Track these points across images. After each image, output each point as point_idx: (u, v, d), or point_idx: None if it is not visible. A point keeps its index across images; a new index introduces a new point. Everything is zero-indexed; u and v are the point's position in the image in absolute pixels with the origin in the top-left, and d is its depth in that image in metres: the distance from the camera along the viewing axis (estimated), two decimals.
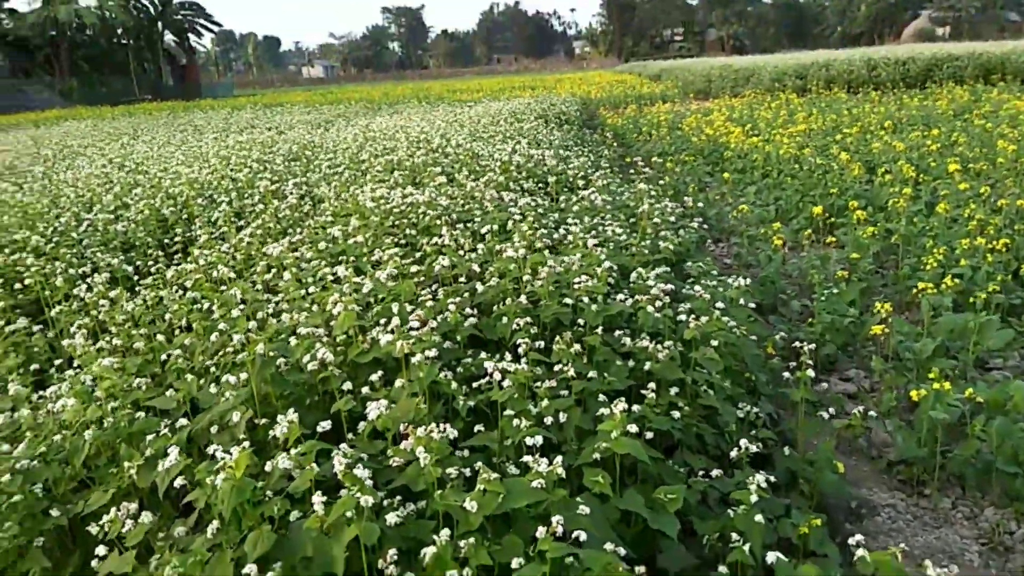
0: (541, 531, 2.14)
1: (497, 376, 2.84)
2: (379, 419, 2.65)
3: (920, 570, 3.55)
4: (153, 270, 5.34)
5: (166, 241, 6.40)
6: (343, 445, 2.69)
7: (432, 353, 2.84)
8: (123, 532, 2.43)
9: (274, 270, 4.62)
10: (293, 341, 3.28)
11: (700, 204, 9.81)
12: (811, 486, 3.68)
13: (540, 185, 7.47)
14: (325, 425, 2.57)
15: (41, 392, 3.63)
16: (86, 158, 12.17)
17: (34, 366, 4.26)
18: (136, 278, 5.24)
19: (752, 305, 4.39)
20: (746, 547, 2.56)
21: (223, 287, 4.45)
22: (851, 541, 2.53)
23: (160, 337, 3.99)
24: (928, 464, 4.11)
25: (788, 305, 6.01)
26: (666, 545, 2.88)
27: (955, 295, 5.82)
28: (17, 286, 5.20)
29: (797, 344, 3.63)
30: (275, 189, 6.94)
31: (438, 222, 5.00)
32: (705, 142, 14.24)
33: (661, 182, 9.83)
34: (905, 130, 13.75)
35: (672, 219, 6.06)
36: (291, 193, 6.64)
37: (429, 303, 3.49)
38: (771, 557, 2.38)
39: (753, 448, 3.04)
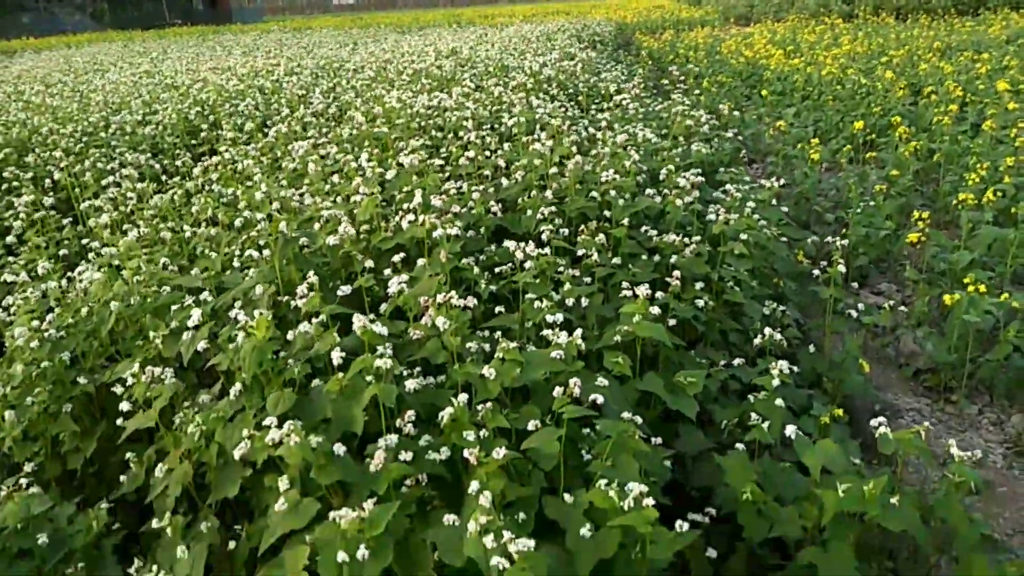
0: (558, 391, 2.13)
1: (520, 257, 2.80)
2: (400, 296, 2.63)
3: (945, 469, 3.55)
4: (181, 170, 5.35)
5: (193, 143, 6.39)
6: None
7: (455, 231, 2.79)
8: (148, 395, 2.48)
9: (298, 167, 4.59)
10: (316, 227, 3.27)
11: (737, 120, 9.55)
12: (834, 386, 3.63)
13: (571, 96, 7.29)
14: (345, 289, 2.56)
15: (69, 274, 3.68)
16: (116, 70, 12.14)
17: (63, 252, 4.33)
18: (164, 177, 5.25)
19: (785, 209, 4.27)
20: (765, 424, 2.54)
21: (249, 183, 4.43)
22: (873, 422, 2.49)
23: (187, 229, 4.01)
24: (957, 372, 4.04)
25: (822, 219, 5.86)
26: (684, 430, 2.88)
27: (996, 211, 5.63)
28: (48, 183, 5.24)
29: (829, 241, 3.52)
30: (302, 95, 6.86)
31: (465, 123, 4.91)
32: (744, 65, 13.76)
33: (697, 95, 9.55)
34: (954, 55, 13.13)
35: (706, 129, 5.88)
36: (317, 100, 6.55)
37: (453, 192, 3.44)
38: (790, 430, 2.36)
39: (778, 337, 2.98)
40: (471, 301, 2.58)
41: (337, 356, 2.15)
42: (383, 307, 2.94)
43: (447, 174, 4.20)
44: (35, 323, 2.96)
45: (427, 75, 7.17)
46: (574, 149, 4.10)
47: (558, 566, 1.98)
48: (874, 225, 5.49)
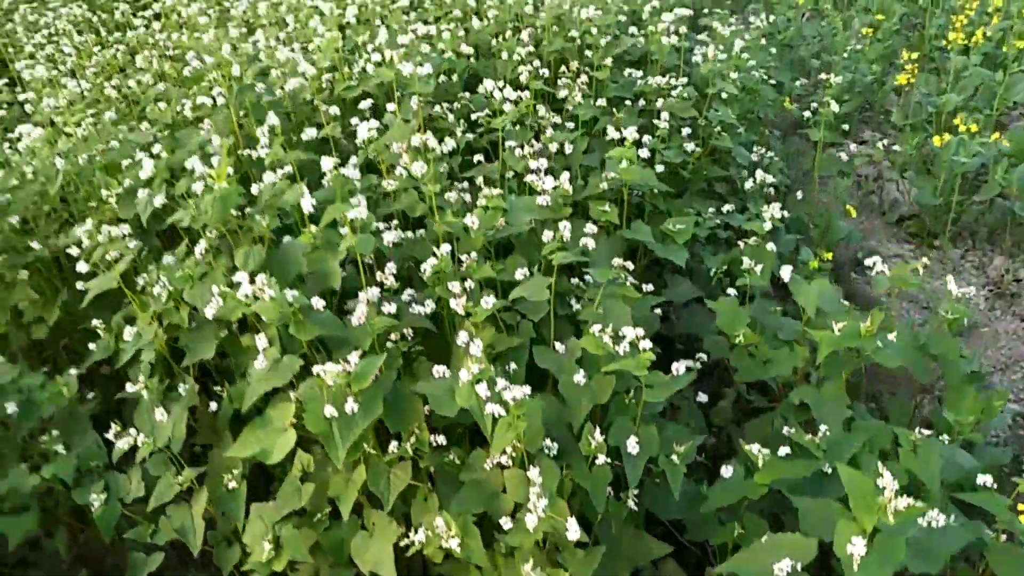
0: (547, 235, 2.01)
1: (497, 97, 2.59)
2: (370, 143, 2.44)
3: (928, 312, 3.56)
4: (120, 23, 4.90)
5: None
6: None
7: (426, 70, 2.55)
8: (108, 257, 2.31)
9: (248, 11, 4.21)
10: (274, 73, 3.00)
11: None
12: (821, 231, 3.57)
13: None
14: (311, 132, 2.37)
15: (9, 134, 3.39)
16: None
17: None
18: (103, 32, 4.80)
19: (773, 50, 4.05)
20: (757, 268, 2.46)
21: (196, 33, 4.06)
22: (868, 261, 2.42)
23: (132, 84, 3.69)
24: (940, 216, 4.00)
25: (806, 66, 5.62)
26: (672, 279, 2.81)
27: (982, 55, 5.43)
28: None
29: (815, 85, 3.35)
30: None
31: None
32: None
33: None
34: None
35: None
36: None
37: (421, 30, 3.16)
38: (785, 273, 2.28)
39: (769, 179, 2.87)
40: (449, 144, 2.41)
41: (308, 204, 1.98)
42: (353, 160, 2.75)
43: (412, 17, 3.88)
44: None
45: None
46: None
47: (552, 414, 1.93)
48: (859, 71, 5.27)
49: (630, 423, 1.90)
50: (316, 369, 1.73)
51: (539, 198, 2.23)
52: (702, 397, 2.41)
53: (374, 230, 2.26)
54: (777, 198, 3.71)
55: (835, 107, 3.22)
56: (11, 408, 2.08)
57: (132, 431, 2.05)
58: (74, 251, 2.35)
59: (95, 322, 2.49)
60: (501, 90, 2.58)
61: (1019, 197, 3.74)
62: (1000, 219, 3.86)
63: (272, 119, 2.21)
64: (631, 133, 2.60)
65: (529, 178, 2.33)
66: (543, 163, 2.43)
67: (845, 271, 3.83)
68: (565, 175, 2.27)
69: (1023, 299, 3.55)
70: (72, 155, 2.70)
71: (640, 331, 1.81)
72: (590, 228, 2.24)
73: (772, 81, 3.87)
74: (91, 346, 2.53)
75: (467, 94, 3.14)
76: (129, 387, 2.11)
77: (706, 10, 5.17)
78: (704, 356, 2.47)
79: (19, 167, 2.89)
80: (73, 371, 2.34)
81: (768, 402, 2.70)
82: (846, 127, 5.36)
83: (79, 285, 2.34)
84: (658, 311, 2.45)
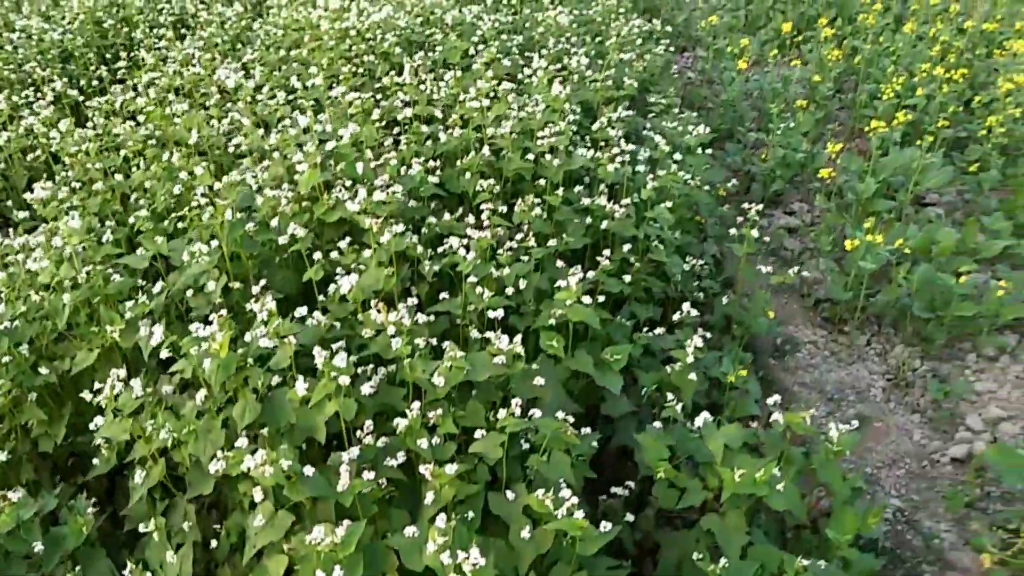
0: (502, 413, 2.41)
1: (461, 250, 2.98)
2: (350, 292, 2.81)
3: (832, 403, 4.07)
4: (98, 89, 5.10)
5: (105, 49, 5.98)
6: (316, 314, 2.88)
7: (399, 228, 2.93)
8: (118, 405, 2.64)
9: (227, 96, 4.48)
10: (259, 199, 3.33)
11: (668, 11, 9.44)
12: (743, 328, 4.04)
13: None
14: (302, 311, 2.72)
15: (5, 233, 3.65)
16: None
17: None
18: (82, 99, 5.00)
19: (710, 137, 4.50)
20: (678, 406, 2.91)
21: (175, 118, 4.33)
22: (769, 401, 2.89)
23: (119, 177, 3.97)
24: (851, 304, 4.51)
25: (745, 136, 6.09)
26: (610, 396, 3.24)
27: (905, 128, 5.96)
28: None
29: (746, 206, 3.80)
30: None
31: (397, 49, 4.81)
32: None
33: None
34: None
35: (639, 41, 5.89)
36: (236, 2, 6.17)
37: (392, 162, 3.51)
38: (699, 420, 2.74)
39: (694, 313, 3.32)
40: (412, 300, 2.79)
41: (302, 389, 2.35)
42: (332, 287, 3.10)
43: (383, 117, 4.21)
44: None
45: None
46: (510, 95, 4.13)
47: (502, 557, 2.35)
48: (791, 146, 5.76)
49: (567, 567, 2.34)
50: (308, 538, 2.11)
51: (496, 358, 2.63)
52: (630, 516, 2.84)
53: (353, 375, 2.64)
54: (707, 300, 4.19)
55: (755, 233, 3.66)
56: (38, 547, 2.41)
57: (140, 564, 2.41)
58: (87, 395, 2.67)
59: (99, 442, 2.82)
60: (462, 238, 2.97)
61: (917, 297, 4.26)
62: (901, 312, 4.39)
63: (270, 303, 2.54)
64: (576, 278, 3.00)
65: (488, 334, 2.72)
66: (500, 313, 2.84)
67: (765, 359, 4.32)
68: (518, 338, 2.67)
69: (915, 388, 4.09)
70: (74, 286, 2.99)
71: (575, 499, 2.24)
72: (539, 380, 2.66)
73: (707, 187, 4.29)
74: (95, 460, 2.88)
75: (433, 218, 3.51)
76: (141, 527, 2.46)
77: (651, 90, 5.56)
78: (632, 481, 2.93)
79: (21, 286, 3.18)
80: (85, 501, 2.66)
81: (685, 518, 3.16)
82: (778, 196, 5.89)
83: (91, 425, 2.66)
84: (595, 441, 2.87)
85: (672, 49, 7.51)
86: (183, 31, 6.04)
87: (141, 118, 4.29)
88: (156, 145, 4.18)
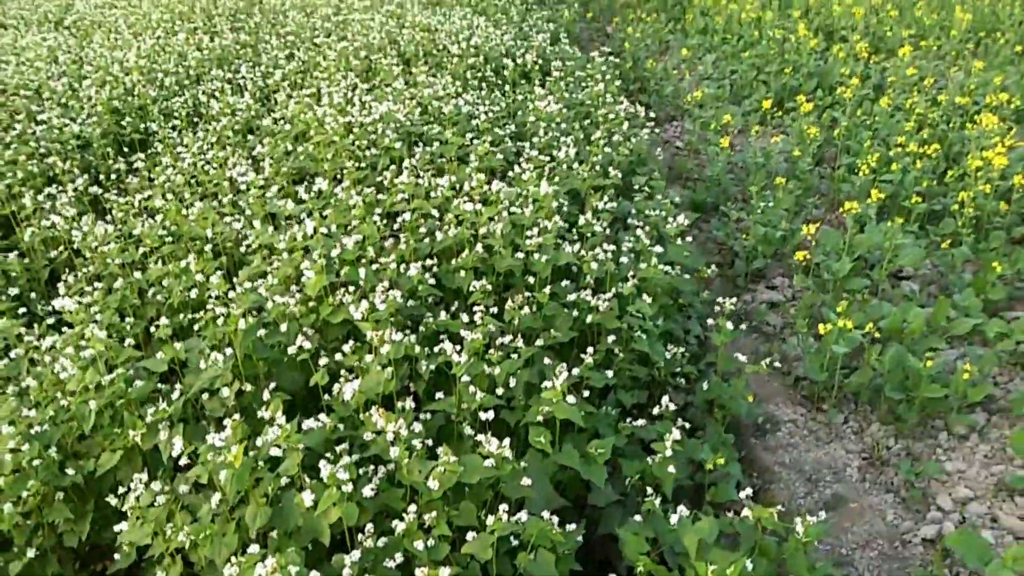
0: (491, 520, 2.65)
1: (454, 355, 3.25)
2: (352, 398, 3.07)
3: (810, 483, 4.28)
4: (115, 179, 5.43)
5: (121, 136, 6.34)
6: (322, 416, 3.13)
7: (398, 337, 3.21)
8: (139, 510, 2.88)
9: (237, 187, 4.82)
10: (269, 304, 3.61)
11: (658, 73, 9.86)
12: (724, 411, 4.27)
13: (499, 72, 7.46)
14: (310, 424, 2.98)
15: (29, 331, 3.91)
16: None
17: (13, 291, 4.50)
18: (100, 192, 5.33)
19: (694, 217, 4.77)
20: (656, 500, 3.14)
21: (189, 213, 4.64)
22: (741, 495, 3.12)
23: (138, 275, 4.26)
24: (829, 383, 4.75)
25: (728, 214, 6.40)
26: (596, 487, 3.46)
27: (881, 203, 6.27)
28: None
29: (719, 301, 4.07)
30: (229, 78, 6.82)
31: (398, 144, 5.16)
32: None
33: (619, 57, 9.77)
34: None
35: (625, 126, 6.24)
36: (246, 89, 6.55)
37: (392, 265, 3.81)
38: (674, 518, 2.96)
39: (673, 405, 3.56)
40: (410, 401, 3.05)
41: (309, 500, 2.60)
42: (336, 387, 3.36)
43: (383, 214, 4.51)
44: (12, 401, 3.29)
45: (354, 53, 7.15)
46: (501, 195, 4.44)
47: None
48: (771, 223, 6.06)
49: None
50: None
51: (486, 461, 2.87)
52: None
53: (354, 478, 2.87)
54: (689, 384, 4.44)
55: (730, 325, 3.93)
56: None
57: None
58: (112, 500, 2.91)
59: (121, 539, 3.05)
60: (455, 344, 3.24)
61: (889, 378, 4.51)
62: (876, 392, 4.62)
63: (280, 418, 2.80)
64: (562, 378, 3.26)
65: (479, 437, 2.97)
66: (491, 415, 3.09)
67: (747, 438, 4.55)
68: (507, 441, 2.91)
69: (890, 467, 4.30)
70: (98, 391, 3.25)
71: None
72: (526, 481, 2.90)
73: (687, 276, 4.57)
74: (116, 556, 3.10)
75: (431, 316, 3.78)
76: None
77: (638, 172, 5.88)
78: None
79: (48, 385, 3.45)
80: None
81: None
82: (759, 273, 6.16)
83: (115, 528, 2.89)
84: (580, 536, 3.09)
85: (657, 131, 7.90)
86: (195, 119, 6.41)
87: (159, 217, 4.59)
88: (172, 241, 4.48)
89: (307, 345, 3.21)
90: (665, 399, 3.59)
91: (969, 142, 7.14)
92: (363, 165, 5.13)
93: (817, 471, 4.27)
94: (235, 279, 4.23)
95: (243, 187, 4.82)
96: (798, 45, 10.06)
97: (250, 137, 5.92)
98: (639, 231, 4.45)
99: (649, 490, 3.22)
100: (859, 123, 7.92)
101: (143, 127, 6.32)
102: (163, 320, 3.51)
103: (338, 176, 5.11)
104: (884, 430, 4.52)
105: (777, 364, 4.91)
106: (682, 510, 3.03)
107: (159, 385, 3.43)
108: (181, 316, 4.03)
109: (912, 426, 4.47)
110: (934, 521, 3.90)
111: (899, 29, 10.59)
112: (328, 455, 2.83)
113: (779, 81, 9.33)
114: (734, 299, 4.10)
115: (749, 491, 3.13)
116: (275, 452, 2.79)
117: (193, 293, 3.84)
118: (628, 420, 3.71)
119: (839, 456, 4.38)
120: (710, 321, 4.29)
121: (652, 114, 9.11)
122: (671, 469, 3.31)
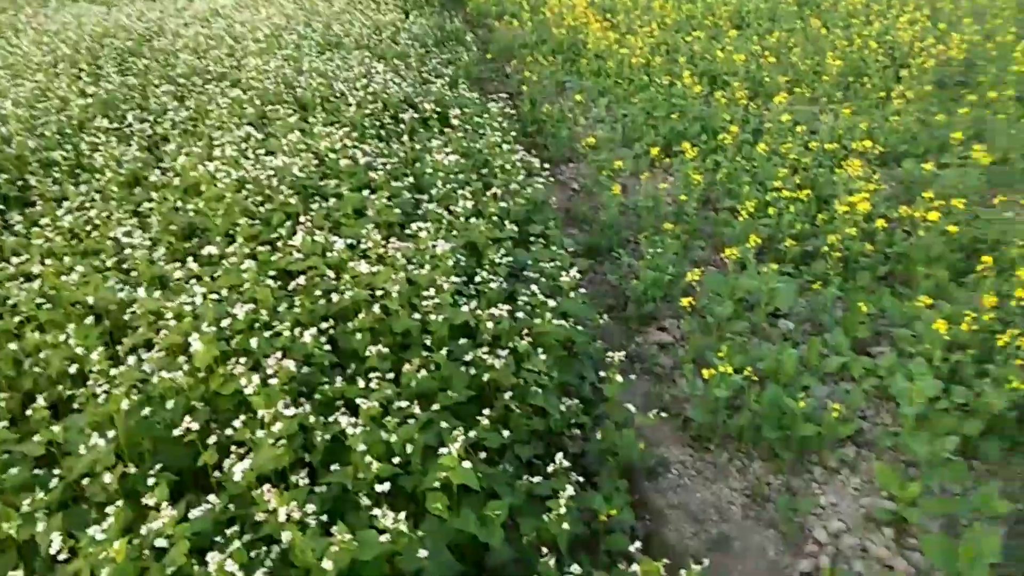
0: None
1: (349, 427, 3.27)
2: (244, 477, 3.04)
3: (697, 523, 4.48)
4: None
5: None
6: (211, 497, 3.08)
7: (291, 413, 3.21)
8: None
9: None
10: (155, 378, 3.52)
11: (554, 116, 10.19)
12: (618, 457, 4.44)
13: (398, 119, 7.54)
14: (195, 513, 2.92)
15: None
16: None
17: None
18: None
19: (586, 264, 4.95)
20: (551, 561, 3.24)
21: (68, 274, 4.47)
22: (631, 548, 3.27)
23: (12, 345, 4.07)
24: (714, 425, 5.01)
25: (620, 260, 6.67)
26: (493, 549, 3.54)
27: (760, 245, 6.68)
28: None
29: (609, 354, 4.26)
30: (115, 128, 6.61)
31: (292, 201, 5.14)
32: (565, 36, 14.28)
33: (518, 99, 10.05)
34: (752, 27, 14.35)
35: (521, 177, 6.43)
36: (133, 137, 6.36)
37: (286, 332, 3.79)
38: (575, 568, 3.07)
39: (566, 463, 3.69)
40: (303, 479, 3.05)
41: None
42: (227, 464, 3.31)
43: (277, 276, 4.48)
44: None
45: (248, 100, 7.06)
46: (399, 262, 4.50)
47: None
48: (660, 268, 6.35)
49: None
50: None
51: (382, 536, 2.90)
52: None
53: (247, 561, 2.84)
54: (584, 433, 4.60)
55: (619, 378, 4.11)
56: None
57: None
58: None
59: None
60: (351, 417, 3.26)
61: (766, 418, 4.80)
62: (756, 431, 4.91)
63: (165, 508, 2.74)
64: (458, 443, 3.33)
65: (375, 511, 3.00)
66: (387, 486, 3.13)
67: (639, 481, 4.73)
68: (402, 515, 2.95)
69: (771, 503, 4.57)
70: None
71: None
72: (423, 552, 2.94)
73: (580, 327, 4.75)
74: None
75: (326, 383, 3.78)
76: None
77: (534, 220, 6.06)
78: None
79: None
80: None
81: None
82: (652, 316, 6.44)
83: None
84: None
85: (552, 177, 8.15)
86: (78, 171, 6.16)
87: (36, 282, 4.40)
88: (51, 308, 4.30)
89: (194, 426, 3.15)
90: (559, 456, 3.71)
91: (837, 186, 7.72)
92: (256, 221, 5.07)
93: (704, 511, 4.49)
94: (119, 346, 4.09)
95: (128, 248, 4.68)
96: (684, 91, 10.59)
97: (137, 190, 5.74)
98: (534, 286, 4.60)
99: (544, 549, 3.31)
100: (739, 167, 8.42)
101: (19, 181, 6.02)
102: (40, 400, 3.37)
103: (231, 232, 5.03)
104: (765, 467, 4.80)
105: (666, 410, 5.16)
106: (575, 568, 3.14)
107: (34, 471, 3.28)
108: (60, 387, 3.87)
109: (790, 463, 4.77)
110: (811, 555, 4.17)
111: (776, 75, 11.32)
112: (218, 538, 2.79)
113: (667, 125, 9.79)
114: (625, 342, 4.28)
115: (639, 544, 3.28)
116: (161, 543, 2.72)
117: (73, 367, 3.70)
118: (525, 476, 3.80)
119: (724, 495, 4.62)
120: (606, 363, 4.47)
121: (549, 154, 9.47)
122: (566, 526, 3.42)
